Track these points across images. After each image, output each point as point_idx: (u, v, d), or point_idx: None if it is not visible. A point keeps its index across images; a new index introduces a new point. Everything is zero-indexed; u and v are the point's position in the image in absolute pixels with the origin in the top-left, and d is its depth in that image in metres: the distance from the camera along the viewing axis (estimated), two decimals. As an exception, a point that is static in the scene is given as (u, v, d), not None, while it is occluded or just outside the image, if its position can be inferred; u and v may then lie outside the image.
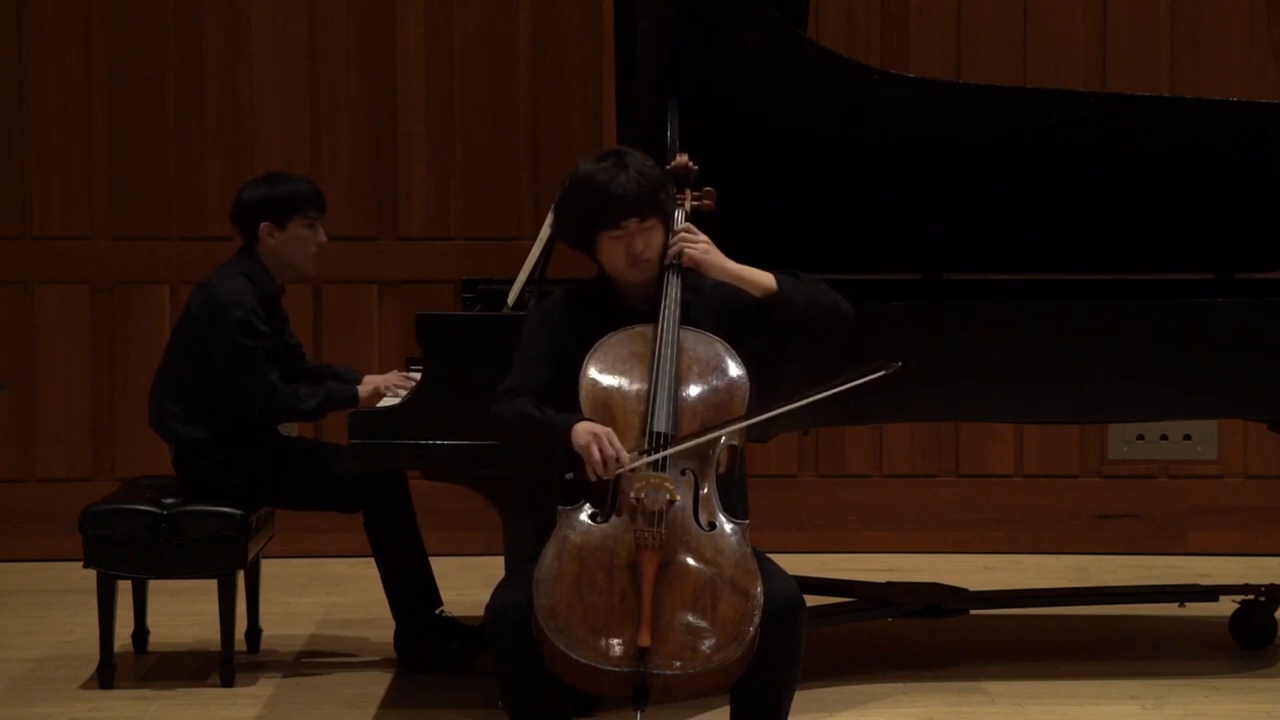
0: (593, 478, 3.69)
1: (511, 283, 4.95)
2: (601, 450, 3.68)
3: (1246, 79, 6.75)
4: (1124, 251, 5.42)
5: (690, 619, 3.55)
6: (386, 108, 6.78)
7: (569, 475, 3.74)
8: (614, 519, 3.66)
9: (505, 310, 4.88)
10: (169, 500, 5.06)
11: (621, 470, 3.66)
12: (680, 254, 3.93)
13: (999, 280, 5.42)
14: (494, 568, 4.16)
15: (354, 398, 5.10)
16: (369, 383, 5.20)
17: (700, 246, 3.94)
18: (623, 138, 5.00)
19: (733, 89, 4.98)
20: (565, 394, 3.85)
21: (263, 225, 5.18)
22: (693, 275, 3.97)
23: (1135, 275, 5.47)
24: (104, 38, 6.70)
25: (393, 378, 5.17)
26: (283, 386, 5.07)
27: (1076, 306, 5.12)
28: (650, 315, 3.91)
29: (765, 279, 3.94)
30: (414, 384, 4.85)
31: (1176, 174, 5.26)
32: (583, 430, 3.72)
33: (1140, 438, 6.84)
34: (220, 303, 5.08)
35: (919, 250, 5.39)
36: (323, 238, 5.27)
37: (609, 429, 3.71)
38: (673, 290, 3.91)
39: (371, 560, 5.22)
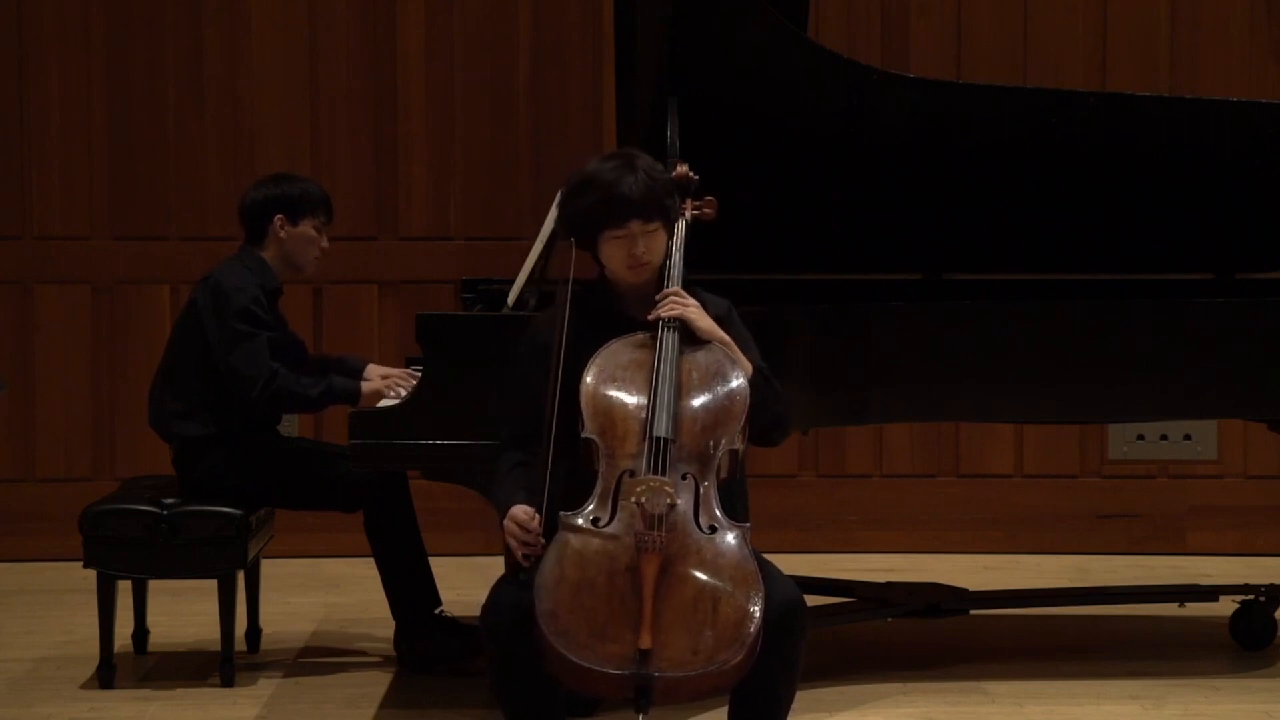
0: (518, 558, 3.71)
1: (511, 283, 4.95)
2: (516, 539, 3.69)
3: (1246, 79, 6.75)
4: (1124, 251, 5.42)
5: (691, 622, 3.55)
6: (386, 108, 6.78)
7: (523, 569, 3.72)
8: (614, 523, 3.66)
9: (505, 310, 4.88)
10: (169, 500, 5.06)
11: (531, 554, 3.66)
12: (670, 310, 3.88)
13: (999, 280, 5.42)
14: (494, 568, 4.15)
15: (356, 394, 5.10)
16: (373, 374, 5.21)
17: (691, 310, 3.91)
18: (623, 138, 5.01)
19: (733, 89, 4.98)
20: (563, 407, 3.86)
21: (277, 218, 5.20)
22: (690, 289, 3.97)
23: (1135, 275, 5.46)
24: (104, 38, 6.70)
25: (397, 374, 5.17)
26: (285, 372, 5.07)
27: (1076, 306, 5.12)
28: (649, 324, 3.90)
29: (744, 364, 3.92)
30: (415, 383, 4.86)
31: (1177, 174, 5.26)
32: (507, 519, 3.72)
33: (1140, 438, 6.84)
34: (224, 290, 5.10)
35: (919, 250, 5.39)
36: (325, 244, 5.29)
37: (529, 515, 3.68)
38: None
39: (371, 560, 5.22)
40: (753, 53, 4.95)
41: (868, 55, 6.25)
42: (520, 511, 3.71)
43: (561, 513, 3.70)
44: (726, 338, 3.92)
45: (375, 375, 5.21)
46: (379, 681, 5.11)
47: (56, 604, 6.05)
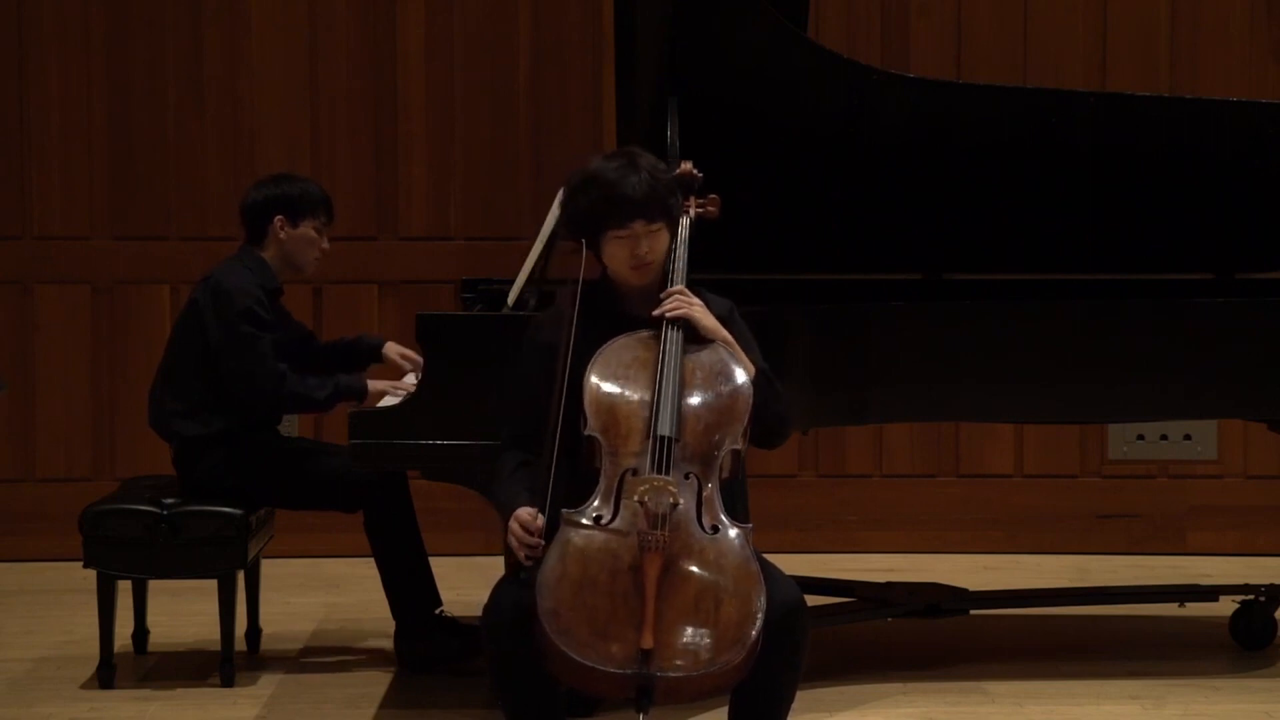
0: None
1: (511, 283, 4.95)
2: (519, 540, 3.67)
3: (1246, 79, 6.75)
4: (1124, 251, 5.42)
5: (693, 622, 3.55)
6: (386, 108, 6.78)
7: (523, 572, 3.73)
8: (617, 521, 3.66)
9: (505, 310, 4.88)
10: (169, 500, 5.06)
11: (534, 556, 3.65)
12: (675, 309, 3.88)
13: (999, 280, 5.42)
14: (494, 568, 4.16)
15: (363, 392, 5.11)
16: (391, 351, 5.28)
17: (696, 310, 3.91)
18: (623, 138, 5.01)
19: (733, 89, 4.98)
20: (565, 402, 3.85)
21: (277, 218, 5.20)
22: (693, 288, 3.96)
23: (1135, 275, 5.46)
24: (104, 38, 6.70)
25: (414, 356, 5.20)
26: (292, 375, 5.08)
27: (1076, 306, 5.12)
28: (653, 323, 3.90)
29: (746, 365, 3.91)
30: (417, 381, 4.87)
31: (1177, 174, 5.26)
32: (512, 520, 3.71)
33: (1140, 438, 6.84)
34: (227, 291, 5.10)
35: (919, 250, 5.40)
36: (326, 245, 5.30)
37: (533, 516, 3.67)
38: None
39: (371, 560, 5.22)
40: (753, 53, 4.95)
41: (868, 55, 6.25)
42: (525, 513, 3.70)
43: (564, 510, 3.69)
44: (729, 337, 3.92)
45: (394, 353, 5.28)
46: (379, 681, 5.11)
47: (56, 604, 6.05)
